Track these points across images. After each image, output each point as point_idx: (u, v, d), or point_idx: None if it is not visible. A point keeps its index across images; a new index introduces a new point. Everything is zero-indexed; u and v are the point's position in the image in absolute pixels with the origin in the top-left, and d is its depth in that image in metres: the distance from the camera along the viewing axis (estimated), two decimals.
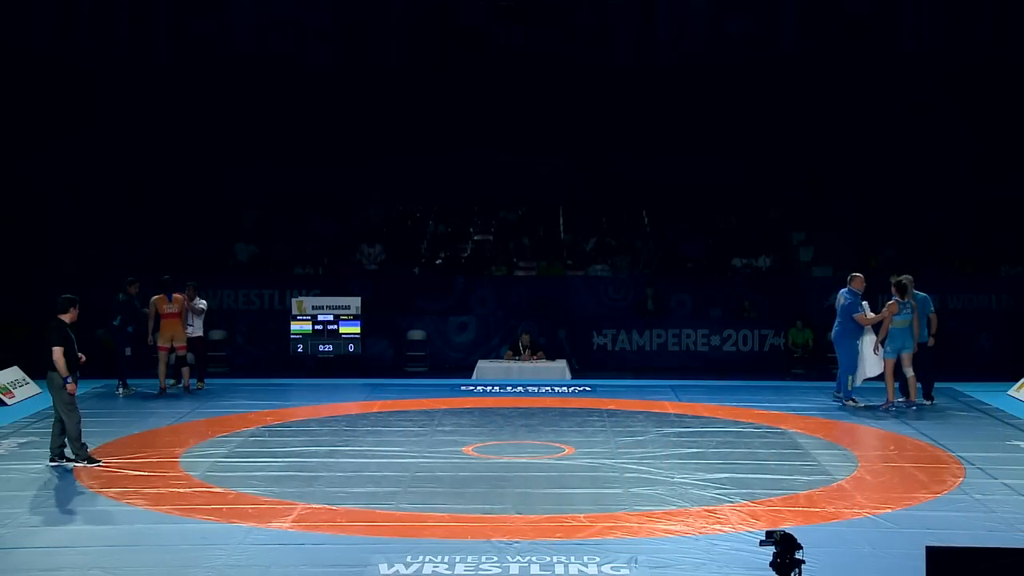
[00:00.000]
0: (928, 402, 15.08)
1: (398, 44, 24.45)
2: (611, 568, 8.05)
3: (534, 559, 8.21)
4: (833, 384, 15.73)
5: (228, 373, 18.80)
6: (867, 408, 14.89)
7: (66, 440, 11.30)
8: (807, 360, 18.81)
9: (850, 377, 15.16)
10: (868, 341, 14.91)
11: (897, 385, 14.99)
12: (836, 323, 15.25)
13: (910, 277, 14.85)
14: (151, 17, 24.06)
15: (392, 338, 19.80)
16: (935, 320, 15.29)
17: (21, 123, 22.12)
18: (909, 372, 14.77)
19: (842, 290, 15.29)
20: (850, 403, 15.12)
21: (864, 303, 15.09)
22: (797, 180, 23.44)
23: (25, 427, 13.43)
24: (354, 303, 19.02)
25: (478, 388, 17.16)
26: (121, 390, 16.34)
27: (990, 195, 22.30)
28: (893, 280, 14.81)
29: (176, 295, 16.40)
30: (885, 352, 14.75)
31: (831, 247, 21.52)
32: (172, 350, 16.43)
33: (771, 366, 18.89)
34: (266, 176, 23.22)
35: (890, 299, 14.89)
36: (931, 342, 15.09)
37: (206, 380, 16.99)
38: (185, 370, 16.56)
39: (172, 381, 16.61)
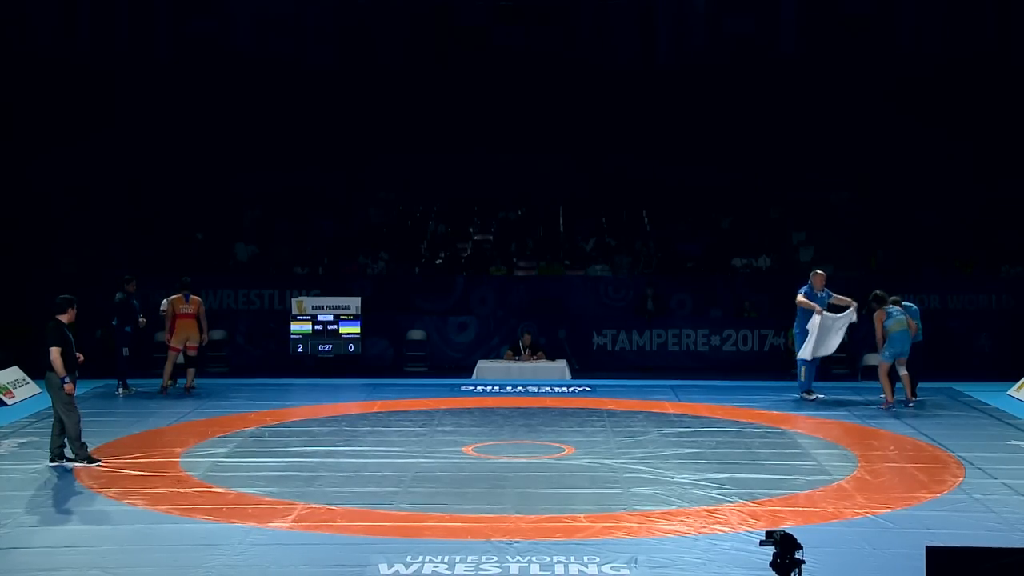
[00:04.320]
0: (913, 399, 15.12)
1: (398, 44, 24.44)
2: (611, 568, 8.05)
3: (534, 559, 8.20)
4: (828, 384, 15.97)
5: (228, 373, 18.80)
6: (817, 400, 15.47)
7: (66, 440, 11.30)
8: None
9: (803, 368, 15.68)
10: (819, 324, 15.42)
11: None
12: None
13: (881, 292, 15.20)
14: (151, 17, 24.06)
15: (392, 338, 19.79)
16: (918, 329, 15.37)
17: (22, 124, 22.12)
18: (903, 371, 14.94)
19: (802, 286, 15.79)
20: (805, 396, 15.60)
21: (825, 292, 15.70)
22: (798, 180, 23.43)
23: (25, 427, 13.42)
24: (354, 303, 19.02)
25: (478, 388, 17.16)
26: (121, 390, 16.33)
27: (990, 195, 22.30)
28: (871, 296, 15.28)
29: (193, 296, 16.42)
30: (883, 356, 14.90)
31: (831, 247, 21.52)
32: (184, 350, 16.44)
33: (771, 366, 18.86)
34: (266, 176, 23.24)
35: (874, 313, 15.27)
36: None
37: (197, 380, 16.84)
38: (191, 371, 16.55)
39: (187, 382, 16.56)
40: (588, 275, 21.06)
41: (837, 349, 16.24)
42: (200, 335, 16.46)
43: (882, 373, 14.94)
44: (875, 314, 15.03)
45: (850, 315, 15.60)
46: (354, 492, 10.26)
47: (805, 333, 15.68)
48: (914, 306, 15.63)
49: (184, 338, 16.36)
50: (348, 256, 21.72)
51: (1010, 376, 16.64)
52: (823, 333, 15.48)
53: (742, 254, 21.57)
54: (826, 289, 15.76)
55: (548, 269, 21.41)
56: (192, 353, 16.51)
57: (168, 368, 16.41)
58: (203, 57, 23.69)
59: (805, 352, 15.56)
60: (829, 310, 15.69)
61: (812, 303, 15.52)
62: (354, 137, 23.59)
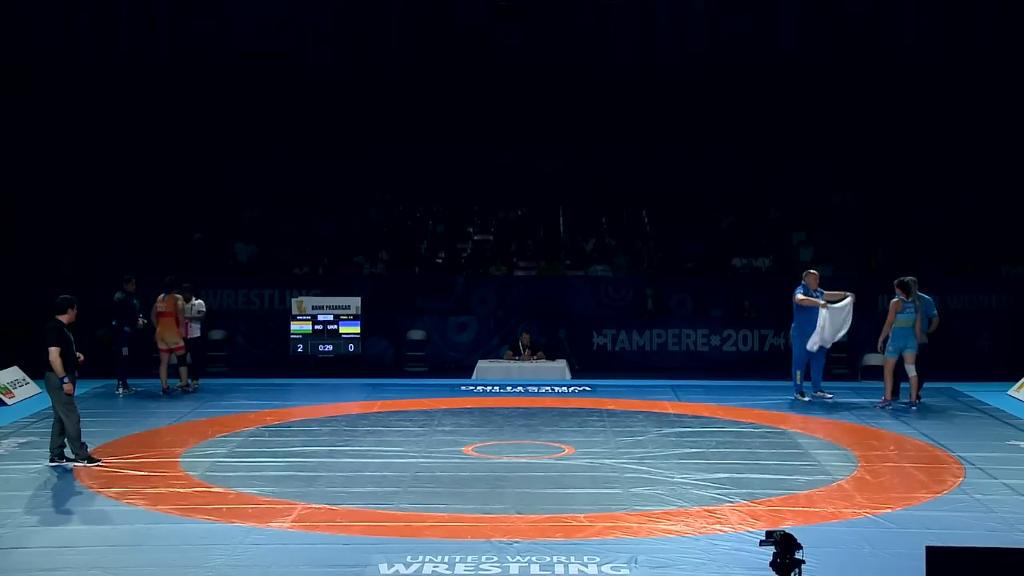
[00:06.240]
0: (917, 401, 15.04)
1: (398, 44, 24.47)
2: (611, 568, 8.05)
3: (534, 559, 8.20)
4: (828, 384, 15.94)
5: (228, 373, 18.80)
6: (810, 402, 15.42)
7: (66, 440, 11.30)
8: None
9: (798, 372, 15.69)
10: (827, 316, 15.33)
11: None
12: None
13: (914, 278, 14.96)
14: (151, 17, 24.08)
15: (392, 338, 19.80)
16: (936, 323, 15.30)
17: (22, 123, 22.13)
18: (912, 371, 14.79)
19: (797, 287, 15.74)
20: (798, 397, 15.56)
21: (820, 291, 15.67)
22: (798, 180, 23.43)
23: (25, 427, 13.42)
24: (354, 303, 19.02)
25: (478, 388, 17.15)
26: (121, 390, 16.32)
27: (990, 195, 22.30)
28: (897, 280, 14.90)
29: (171, 295, 16.32)
30: (887, 351, 14.82)
31: (831, 247, 21.53)
32: (171, 351, 16.40)
33: (771, 366, 18.85)
34: (266, 176, 23.26)
35: (893, 298, 14.90)
36: (923, 339, 15.01)
37: (200, 380, 16.86)
38: (183, 370, 16.51)
39: (187, 382, 16.52)
40: (588, 275, 21.06)
41: (837, 348, 16.19)
42: (177, 335, 16.26)
43: (887, 369, 14.89)
44: (893, 301, 14.79)
45: (850, 302, 15.45)
46: (354, 492, 10.26)
47: (803, 334, 15.63)
48: (926, 296, 15.26)
49: (161, 337, 16.31)
50: (348, 256, 21.72)
51: (1010, 376, 16.63)
52: (832, 324, 15.41)
53: (742, 254, 21.58)
54: (820, 289, 15.73)
55: (548, 269, 21.41)
56: (179, 353, 16.45)
57: (162, 370, 16.34)
58: (203, 57, 23.70)
59: (812, 344, 15.40)
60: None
61: (814, 299, 15.44)
62: (354, 137, 23.61)
